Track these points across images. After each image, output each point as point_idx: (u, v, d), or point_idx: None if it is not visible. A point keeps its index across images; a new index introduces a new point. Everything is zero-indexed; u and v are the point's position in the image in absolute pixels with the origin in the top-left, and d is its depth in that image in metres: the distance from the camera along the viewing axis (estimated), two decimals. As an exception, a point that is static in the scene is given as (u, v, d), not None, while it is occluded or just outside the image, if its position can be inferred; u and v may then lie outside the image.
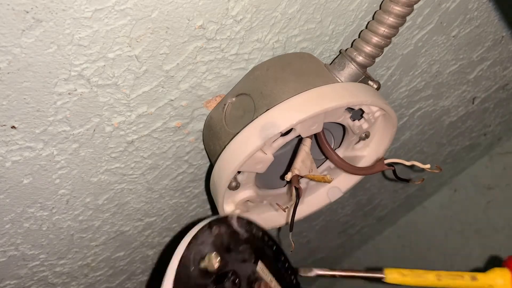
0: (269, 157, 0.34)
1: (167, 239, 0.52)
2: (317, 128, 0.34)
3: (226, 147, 0.33)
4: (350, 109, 0.36)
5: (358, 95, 0.33)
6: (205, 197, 0.49)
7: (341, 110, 0.34)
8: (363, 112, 0.37)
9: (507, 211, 0.83)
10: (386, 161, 0.39)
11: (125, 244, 0.47)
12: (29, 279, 0.42)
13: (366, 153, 0.42)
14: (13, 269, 0.40)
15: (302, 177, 0.35)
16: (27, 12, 0.25)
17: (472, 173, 0.88)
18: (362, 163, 0.42)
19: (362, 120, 0.37)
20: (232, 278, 0.29)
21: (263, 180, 0.40)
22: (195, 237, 0.28)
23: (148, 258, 0.52)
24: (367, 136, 0.39)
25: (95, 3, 0.26)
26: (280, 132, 0.31)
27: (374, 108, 0.36)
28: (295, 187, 0.34)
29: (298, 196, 0.35)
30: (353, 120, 0.37)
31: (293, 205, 0.35)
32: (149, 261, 0.53)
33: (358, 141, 0.40)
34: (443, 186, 0.92)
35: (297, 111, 0.31)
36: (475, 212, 0.87)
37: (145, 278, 0.55)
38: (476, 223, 0.87)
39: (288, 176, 0.34)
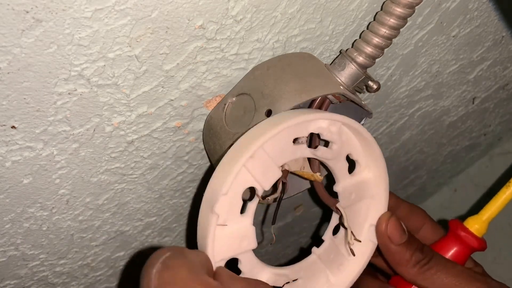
0: (245, 227, 0.29)
1: (167, 239, 0.52)
2: (274, 175, 0.29)
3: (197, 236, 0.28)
4: (295, 140, 0.31)
5: (283, 122, 0.29)
6: (205, 197, 0.49)
7: (286, 145, 0.30)
8: (318, 135, 0.33)
9: (507, 211, 0.83)
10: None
11: (125, 244, 0.47)
12: (29, 279, 0.42)
13: (371, 173, 0.36)
14: (13, 269, 0.40)
15: (291, 172, 0.35)
16: (27, 12, 0.25)
17: (472, 173, 0.88)
18: (372, 186, 0.36)
19: (329, 143, 0.33)
20: None
21: None
22: None
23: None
24: (350, 156, 0.34)
25: (95, 3, 0.26)
26: (224, 194, 0.27)
27: (323, 123, 0.31)
28: (282, 181, 0.35)
29: (283, 191, 0.35)
30: (315, 148, 0.32)
31: (278, 198, 0.35)
32: (149, 261, 0.53)
33: (350, 166, 0.35)
34: (443, 186, 0.92)
35: (228, 166, 0.27)
36: (475, 212, 0.87)
37: (145, 278, 0.55)
38: (476, 223, 0.87)
39: None
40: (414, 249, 0.35)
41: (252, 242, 0.29)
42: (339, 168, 0.34)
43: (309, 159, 0.37)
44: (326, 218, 0.72)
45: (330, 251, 0.36)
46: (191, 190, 0.47)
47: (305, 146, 0.31)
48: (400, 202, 0.41)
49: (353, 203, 0.36)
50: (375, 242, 0.36)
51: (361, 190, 0.36)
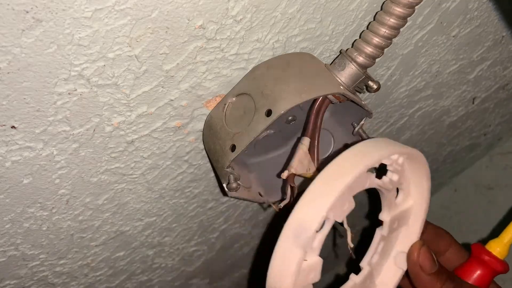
0: (315, 260, 0.28)
1: (167, 239, 0.52)
2: (349, 206, 0.29)
3: (269, 269, 0.27)
4: (371, 170, 0.31)
5: (372, 154, 0.28)
6: (205, 197, 0.49)
7: (364, 176, 0.30)
8: (385, 165, 0.32)
9: (507, 211, 0.83)
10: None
11: (125, 244, 0.47)
12: (29, 279, 0.42)
13: (412, 202, 0.36)
14: (13, 269, 0.40)
15: (298, 175, 0.35)
16: (27, 12, 0.25)
17: (472, 173, 0.88)
18: (413, 216, 0.36)
19: (389, 173, 0.33)
20: None
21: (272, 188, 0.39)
22: None
23: (148, 258, 0.52)
24: (401, 185, 0.34)
25: (95, 3, 0.26)
26: (316, 231, 0.26)
27: (394, 156, 0.32)
28: (290, 185, 0.35)
29: (293, 196, 0.35)
30: (380, 178, 0.32)
31: (288, 204, 0.35)
32: (149, 261, 0.53)
33: (396, 195, 0.35)
34: (443, 186, 0.92)
35: (321, 200, 0.26)
36: (475, 212, 0.87)
37: (145, 278, 0.55)
38: (476, 223, 0.87)
39: (285, 175, 0.34)
40: (444, 279, 0.35)
41: (317, 274, 0.28)
42: (390, 197, 0.33)
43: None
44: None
45: (366, 278, 0.36)
46: (191, 190, 0.47)
47: (373, 176, 0.31)
48: (426, 225, 0.41)
49: (393, 231, 0.35)
50: (404, 269, 0.36)
51: (403, 218, 0.35)
